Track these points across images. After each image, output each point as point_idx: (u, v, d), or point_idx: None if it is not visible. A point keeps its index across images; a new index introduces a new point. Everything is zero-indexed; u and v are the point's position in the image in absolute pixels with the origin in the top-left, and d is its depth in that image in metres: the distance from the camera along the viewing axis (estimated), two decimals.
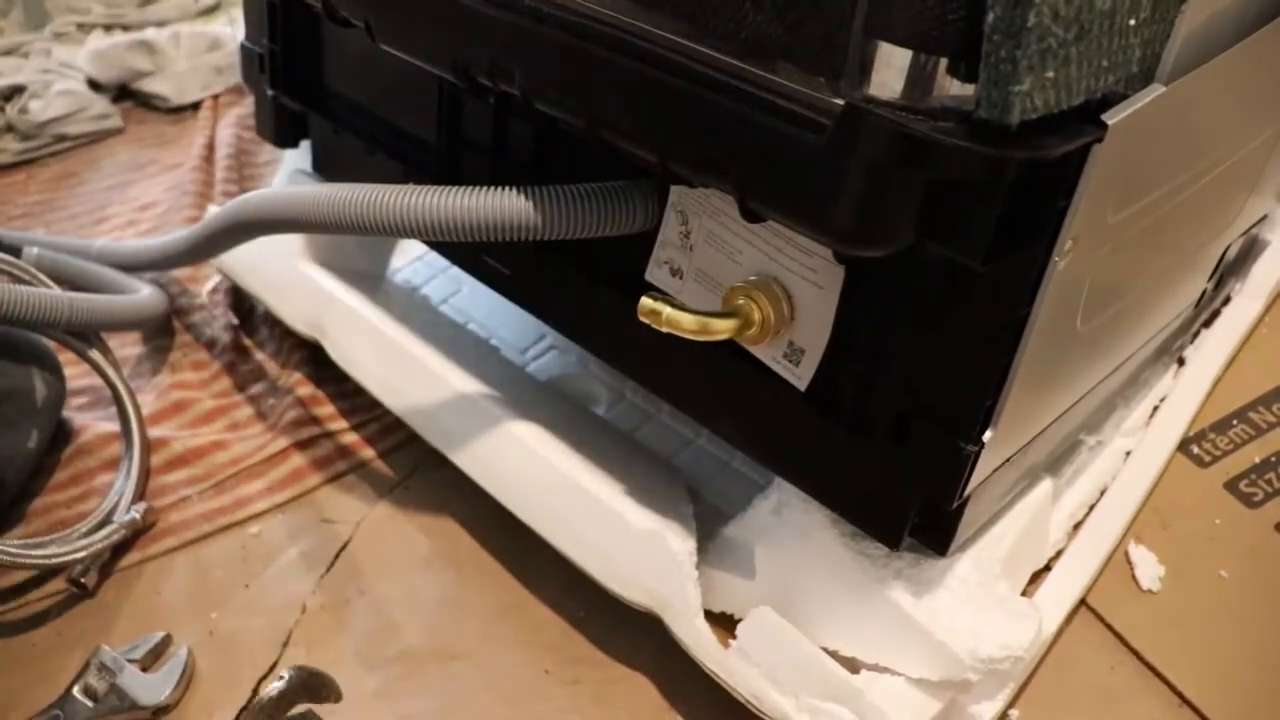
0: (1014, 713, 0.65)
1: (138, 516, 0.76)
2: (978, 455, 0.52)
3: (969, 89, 0.41)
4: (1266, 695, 0.65)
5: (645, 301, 0.54)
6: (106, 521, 0.75)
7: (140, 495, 0.78)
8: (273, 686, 0.64)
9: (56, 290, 0.78)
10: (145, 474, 0.80)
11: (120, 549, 0.76)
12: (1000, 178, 0.41)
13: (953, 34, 0.40)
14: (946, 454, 0.52)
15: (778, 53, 0.45)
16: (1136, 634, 0.68)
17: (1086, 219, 0.47)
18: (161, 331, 0.96)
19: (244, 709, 0.66)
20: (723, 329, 0.55)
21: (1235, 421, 0.79)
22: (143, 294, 0.89)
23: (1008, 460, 0.57)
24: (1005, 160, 0.40)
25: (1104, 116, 0.44)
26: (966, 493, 0.54)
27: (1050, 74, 0.40)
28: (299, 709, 0.65)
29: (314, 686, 0.65)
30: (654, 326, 0.54)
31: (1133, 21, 0.43)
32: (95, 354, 0.80)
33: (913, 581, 0.59)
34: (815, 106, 0.44)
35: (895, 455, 0.55)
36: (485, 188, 0.59)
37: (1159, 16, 0.45)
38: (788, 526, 0.62)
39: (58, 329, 0.78)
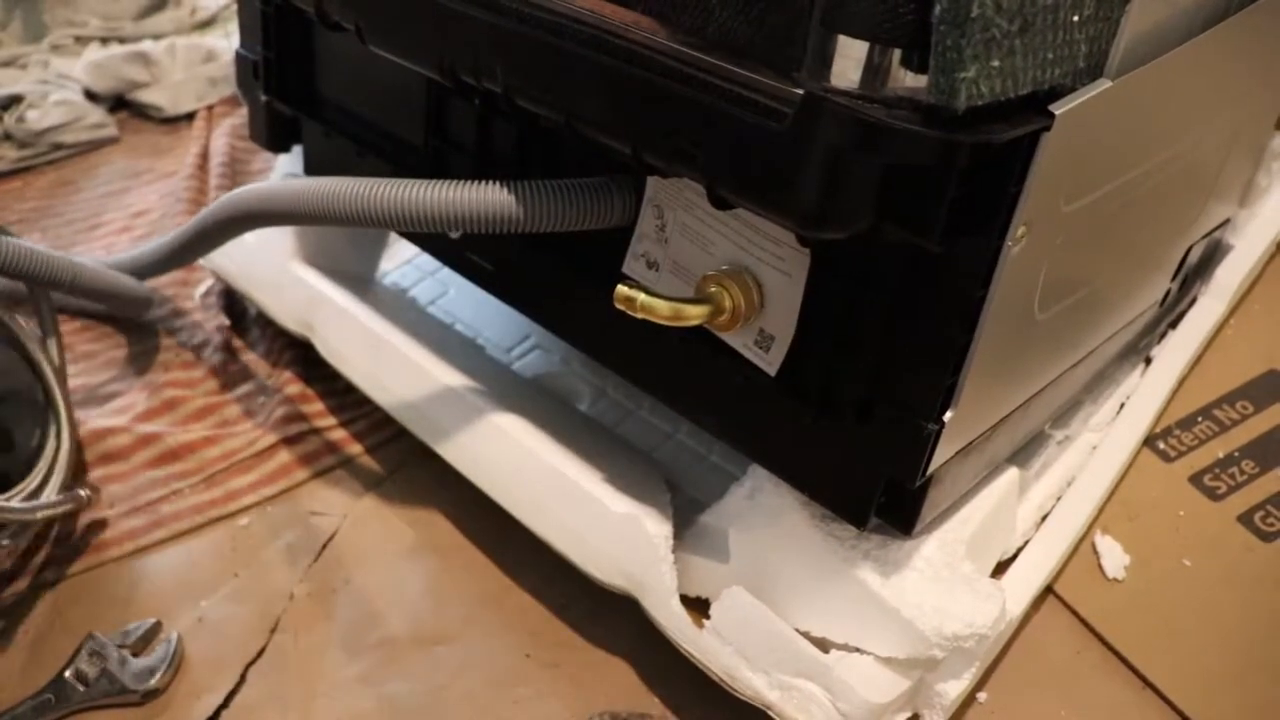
0: (982, 695, 0.66)
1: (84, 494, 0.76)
2: (939, 434, 0.53)
3: (922, 80, 0.43)
4: (1227, 677, 0.66)
5: (621, 289, 0.56)
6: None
7: (72, 478, 0.78)
8: None
9: (64, 255, 0.80)
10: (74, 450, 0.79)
11: (114, 540, 0.77)
12: (951, 161, 0.43)
13: (905, 27, 0.43)
14: (909, 433, 0.54)
15: (742, 46, 0.47)
16: (1102, 620, 0.70)
17: (1038, 207, 0.49)
18: (146, 331, 0.98)
19: (231, 693, 0.68)
20: (695, 315, 0.57)
21: (1200, 418, 0.81)
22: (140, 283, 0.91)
23: (970, 445, 0.59)
24: (954, 144, 0.43)
25: (1051, 107, 0.46)
26: (929, 472, 0.55)
27: (995, 63, 0.42)
28: None
29: None
30: (629, 313, 0.56)
31: (1076, 18, 0.45)
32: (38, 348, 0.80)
33: (880, 562, 0.61)
34: (778, 96, 0.46)
35: (860, 435, 0.57)
36: (469, 181, 0.61)
37: (1103, 15, 0.47)
38: (760, 510, 0.64)
39: (63, 289, 0.80)
